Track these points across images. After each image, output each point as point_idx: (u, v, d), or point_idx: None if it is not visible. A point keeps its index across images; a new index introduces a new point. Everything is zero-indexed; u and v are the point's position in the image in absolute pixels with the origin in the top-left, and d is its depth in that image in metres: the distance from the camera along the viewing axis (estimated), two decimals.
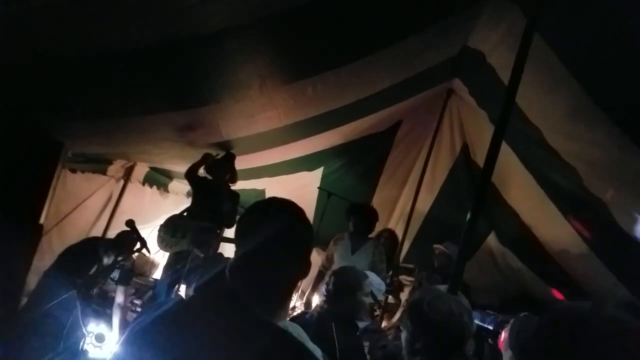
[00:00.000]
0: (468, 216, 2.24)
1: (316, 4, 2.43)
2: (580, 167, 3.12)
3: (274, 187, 5.25)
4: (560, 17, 2.41)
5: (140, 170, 4.83)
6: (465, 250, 2.16)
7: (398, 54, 3.16)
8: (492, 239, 4.84)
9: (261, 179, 5.11)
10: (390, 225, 5.36)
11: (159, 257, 5.21)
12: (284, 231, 1.06)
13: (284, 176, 5.06)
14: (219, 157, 4.05)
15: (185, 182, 4.97)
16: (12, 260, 2.97)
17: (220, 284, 1.04)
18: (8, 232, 2.83)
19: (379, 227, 4.91)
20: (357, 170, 5.13)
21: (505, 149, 3.90)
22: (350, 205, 3.82)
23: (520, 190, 4.24)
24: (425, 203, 5.06)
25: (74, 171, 4.18)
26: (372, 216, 3.78)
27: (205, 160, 3.99)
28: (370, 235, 3.85)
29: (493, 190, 4.44)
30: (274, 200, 1.17)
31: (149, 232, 4.40)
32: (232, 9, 2.29)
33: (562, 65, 2.59)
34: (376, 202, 5.27)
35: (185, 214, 4.13)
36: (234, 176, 4.11)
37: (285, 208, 1.14)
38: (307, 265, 1.13)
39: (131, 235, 3.42)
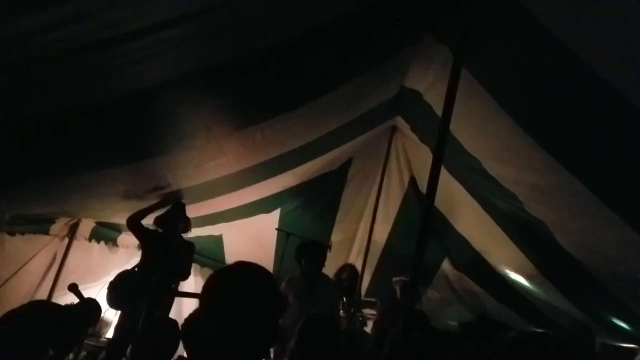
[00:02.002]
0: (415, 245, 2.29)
1: (257, 56, 2.52)
2: (519, 192, 3.30)
3: (232, 232, 5.17)
4: (485, 54, 2.61)
5: (86, 226, 4.63)
6: (415, 277, 2.20)
7: (340, 97, 3.28)
8: (446, 265, 4.97)
9: (218, 225, 5.03)
10: (351, 260, 5.38)
11: (111, 315, 4.94)
12: (254, 301, 1.08)
13: (242, 220, 5.01)
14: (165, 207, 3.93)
15: None
16: None
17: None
18: None
19: (340, 263, 4.94)
20: (314, 209, 5.17)
21: (450, 180, 4.09)
22: (298, 245, 3.84)
23: (469, 218, 4.42)
24: (381, 235, 5.16)
25: (12, 234, 3.98)
26: (320, 253, 3.80)
27: (150, 210, 3.86)
28: (323, 271, 3.84)
29: (443, 219, 4.61)
30: (244, 266, 1.16)
31: (98, 290, 4.20)
32: (173, 63, 2.32)
33: (492, 99, 2.77)
34: (336, 238, 5.31)
35: (136, 269, 3.96)
36: (187, 225, 4.01)
37: (256, 276, 1.14)
38: (277, 331, 1.14)
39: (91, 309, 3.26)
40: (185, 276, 3.96)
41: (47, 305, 3.53)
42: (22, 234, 4.12)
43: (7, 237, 3.96)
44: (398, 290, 4.41)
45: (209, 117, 2.93)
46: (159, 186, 3.54)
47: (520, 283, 4.31)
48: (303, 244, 3.84)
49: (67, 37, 1.84)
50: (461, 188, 4.16)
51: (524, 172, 3.10)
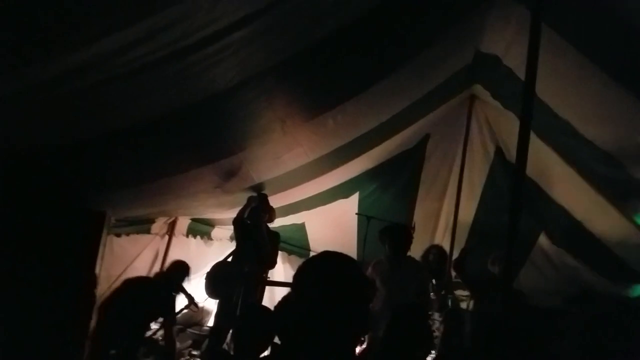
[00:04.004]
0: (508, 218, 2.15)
1: (325, 40, 2.49)
2: (617, 153, 2.99)
3: (314, 219, 5.26)
4: (564, 5, 2.37)
5: (183, 223, 4.99)
6: (510, 253, 2.06)
7: (413, 71, 3.17)
8: (543, 240, 4.61)
9: (300, 213, 5.15)
10: (437, 240, 5.20)
11: (212, 305, 5.31)
12: (342, 288, 1.08)
13: (322, 207, 5.07)
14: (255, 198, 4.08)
15: (227, 227, 5.08)
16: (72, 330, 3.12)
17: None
18: (63, 302, 2.98)
19: (425, 244, 4.80)
20: (392, 189, 5.06)
21: (542, 147, 3.78)
22: (382, 229, 3.77)
23: (566, 186, 4.06)
24: (468, 212, 4.90)
25: (118, 235, 4.39)
26: (405, 235, 3.71)
27: (250, 203, 4.04)
28: (409, 254, 3.75)
29: (537, 189, 4.27)
30: (330, 255, 1.17)
31: (198, 282, 4.53)
32: (245, 62, 2.38)
33: (577, 52, 2.53)
34: (418, 218, 5.17)
35: (229, 259, 4.20)
36: (271, 216, 4.16)
37: (342, 263, 1.15)
38: (367, 321, 1.14)
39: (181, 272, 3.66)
40: (272, 264, 4.11)
41: (141, 279, 3.91)
42: (127, 234, 4.56)
43: (114, 238, 4.37)
44: (497, 269, 4.16)
45: (282, 110, 2.98)
46: (243, 180, 3.70)
47: (630, 255, 3.88)
48: (386, 227, 3.78)
49: (144, 54, 1.96)
50: (554, 154, 3.81)
51: (622, 129, 2.83)
